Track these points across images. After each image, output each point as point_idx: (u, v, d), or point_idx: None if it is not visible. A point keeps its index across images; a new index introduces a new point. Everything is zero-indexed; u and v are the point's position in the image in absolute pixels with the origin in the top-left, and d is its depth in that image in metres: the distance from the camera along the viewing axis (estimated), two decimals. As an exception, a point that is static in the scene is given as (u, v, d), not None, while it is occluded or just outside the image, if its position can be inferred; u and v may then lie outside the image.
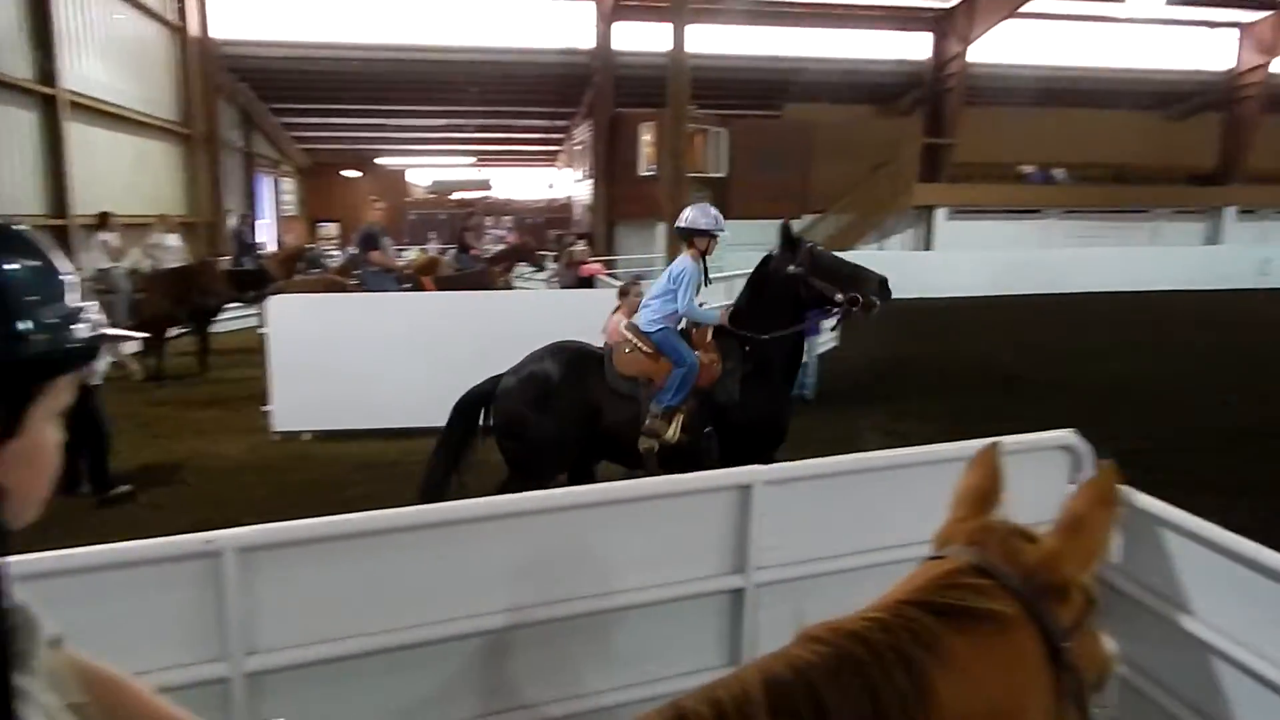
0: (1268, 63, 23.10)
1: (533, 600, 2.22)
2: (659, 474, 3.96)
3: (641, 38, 20.44)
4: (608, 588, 2.29)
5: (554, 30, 21.34)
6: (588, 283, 12.27)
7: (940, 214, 23.05)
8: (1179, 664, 2.64)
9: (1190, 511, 2.64)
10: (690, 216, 5.05)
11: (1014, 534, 1.04)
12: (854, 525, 2.25)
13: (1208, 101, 24.63)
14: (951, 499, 1.12)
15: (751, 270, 5.03)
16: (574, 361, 4.71)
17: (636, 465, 4.81)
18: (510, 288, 13.14)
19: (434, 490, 4.50)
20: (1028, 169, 23.96)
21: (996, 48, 22.36)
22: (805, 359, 8.34)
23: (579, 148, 22.91)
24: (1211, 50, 24.01)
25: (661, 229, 8.62)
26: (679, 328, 4.96)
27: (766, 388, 4.78)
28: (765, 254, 4.95)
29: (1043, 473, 2.88)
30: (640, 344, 4.83)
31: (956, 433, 2.95)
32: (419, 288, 10.22)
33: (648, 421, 4.68)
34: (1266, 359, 12.75)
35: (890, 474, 2.34)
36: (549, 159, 30.83)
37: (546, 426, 4.49)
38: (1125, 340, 13.83)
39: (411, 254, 17.95)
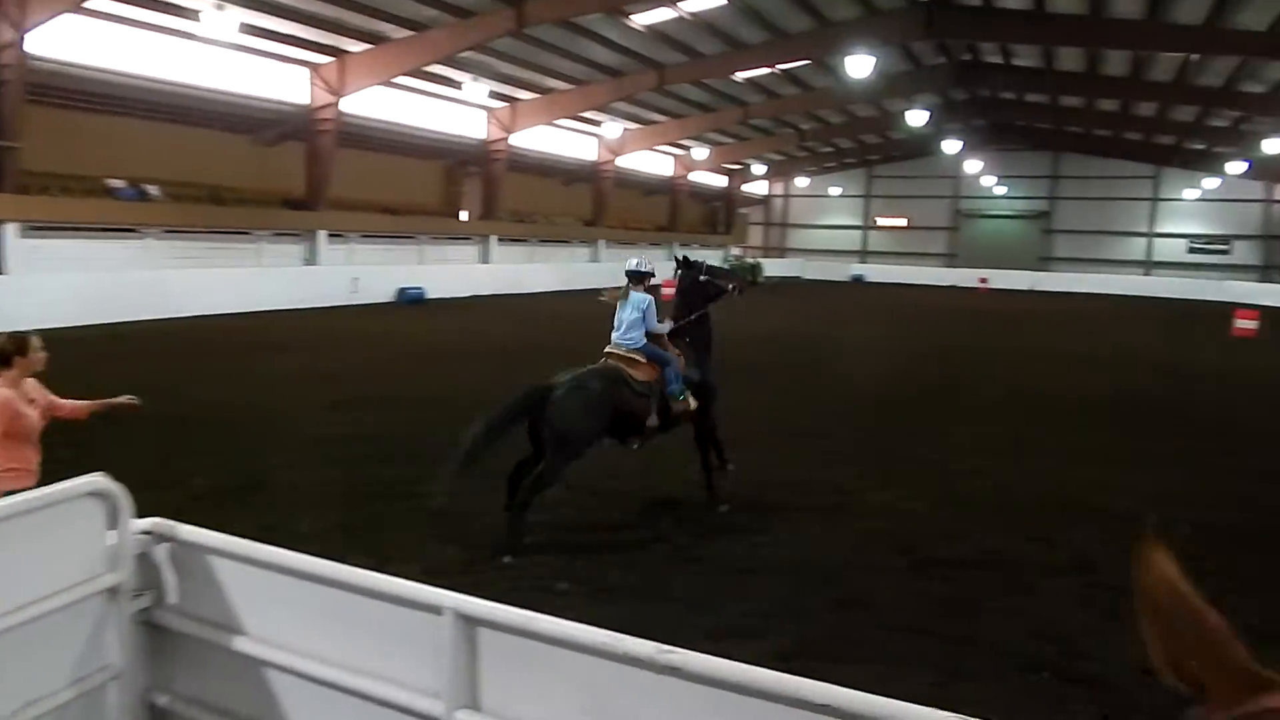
0: (336, 102, 26.63)
1: None
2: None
3: None
4: None
5: None
6: None
7: (10, 230, 19.30)
8: (242, 686, 2.63)
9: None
10: (644, 263, 6.94)
11: None
12: None
13: (292, 131, 27.11)
14: None
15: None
16: (608, 377, 6.54)
17: (637, 434, 6.74)
18: None
19: (474, 456, 5.87)
20: (118, 183, 22.30)
21: (66, 43, 20.05)
22: None
23: None
24: (291, 84, 26.43)
25: None
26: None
27: (705, 362, 7.23)
28: (680, 275, 7.49)
29: (76, 524, 2.51)
30: (637, 358, 6.72)
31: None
32: None
33: (673, 403, 6.77)
34: (352, 376, 14.76)
35: None
36: None
37: (596, 420, 6.37)
38: (238, 365, 13.86)
39: None
